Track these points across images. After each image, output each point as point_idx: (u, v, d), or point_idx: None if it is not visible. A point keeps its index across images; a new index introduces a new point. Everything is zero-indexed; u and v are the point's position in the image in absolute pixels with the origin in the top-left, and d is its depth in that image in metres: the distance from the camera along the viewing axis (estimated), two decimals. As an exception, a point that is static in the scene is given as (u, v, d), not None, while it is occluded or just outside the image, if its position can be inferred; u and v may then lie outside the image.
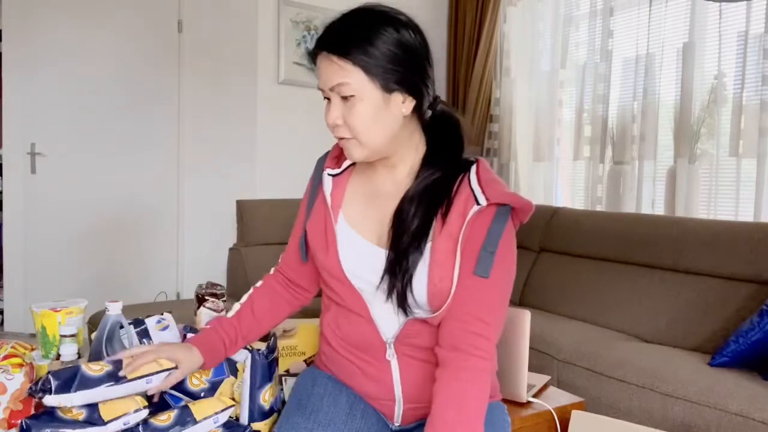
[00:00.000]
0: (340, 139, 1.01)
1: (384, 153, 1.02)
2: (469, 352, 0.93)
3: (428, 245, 0.97)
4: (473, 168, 1.01)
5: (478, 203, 0.96)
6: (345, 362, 1.07)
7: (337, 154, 1.13)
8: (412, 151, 1.05)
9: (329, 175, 1.10)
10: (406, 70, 0.96)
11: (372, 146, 0.99)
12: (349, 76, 0.94)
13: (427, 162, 1.04)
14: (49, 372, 0.90)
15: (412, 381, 1.03)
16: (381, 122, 0.98)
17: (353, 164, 1.11)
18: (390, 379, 1.03)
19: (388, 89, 0.96)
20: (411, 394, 1.03)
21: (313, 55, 1.00)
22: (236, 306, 1.16)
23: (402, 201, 1.02)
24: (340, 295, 1.05)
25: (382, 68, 0.95)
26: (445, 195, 0.99)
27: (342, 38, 0.95)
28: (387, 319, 1.02)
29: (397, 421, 1.06)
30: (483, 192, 0.97)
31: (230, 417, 1.01)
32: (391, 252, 0.99)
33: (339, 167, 1.11)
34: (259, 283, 1.20)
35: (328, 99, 0.99)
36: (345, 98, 0.96)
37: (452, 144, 1.05)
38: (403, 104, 0.98)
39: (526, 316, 1.37)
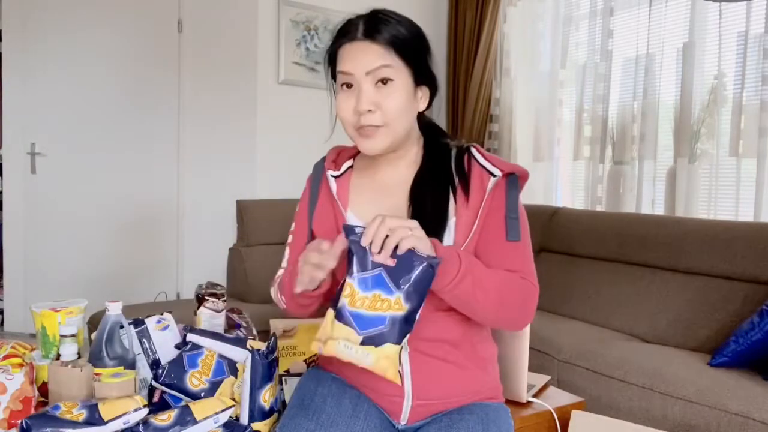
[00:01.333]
0: (361, 128, 1.03)
1: (398, 145, 1.07)
2: None
3: (452, 221, 1.04)
4: (473, 149, 1.10)
5: (493, 175, 1.04)
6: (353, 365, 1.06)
7: (334, 158, 1.16)
8: (414, 144, 1.12)
9: (332, 176, 1.13)
10: (430, 68, 1.07)
11: (397, 135, 1.04)
12: (392, 59, 1.01)
13: (427, 151, 1.12)
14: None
15: (423, 376, 1.04)
16: (408, 113, 1.05)
17: (351, 166, 1.16)
18: (401, 373, 1.03)
19: (417, 82, 1.05)
20: (421, 389, 1.04)
21: (334, 46, 1.05)
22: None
23: (414, 187, 1.08)
24: None
25: (415, 62, 1.04)
26: (457, 173, 1.07)
27: (386, 28, 1.01)
28: None
29: (403, 420, 1.06)
30: (493, 164, 1.05)
31: (230, 417, 1.01)
32: None
33: (339, 169, 1.15)
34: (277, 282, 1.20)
35: (347, 86, 1.03)
36: (383, 82, 1.01)
37: (440, 135, 1.15)
38: (421, 99, 1.08)
39: (526, 316, 1.37)
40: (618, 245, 2.66)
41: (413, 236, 0.90)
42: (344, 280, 0.91)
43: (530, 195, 3.61)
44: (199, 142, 3.49)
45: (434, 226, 1.01)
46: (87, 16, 3.27)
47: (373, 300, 0.88)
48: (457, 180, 1.07)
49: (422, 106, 1.09)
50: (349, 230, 0.91)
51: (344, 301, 0.89)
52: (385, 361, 0.88)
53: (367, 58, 1.01)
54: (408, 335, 0.91)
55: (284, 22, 3.55)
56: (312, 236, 1.13)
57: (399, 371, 0.90)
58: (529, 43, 3.68)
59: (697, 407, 1.79)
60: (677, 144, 2.84)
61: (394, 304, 0.88)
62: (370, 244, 0.89)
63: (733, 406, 1.73)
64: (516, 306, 1.03)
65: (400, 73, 1.02)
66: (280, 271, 1.21)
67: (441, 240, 1.01)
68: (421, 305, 0.90)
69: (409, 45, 1.03)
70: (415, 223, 0.92)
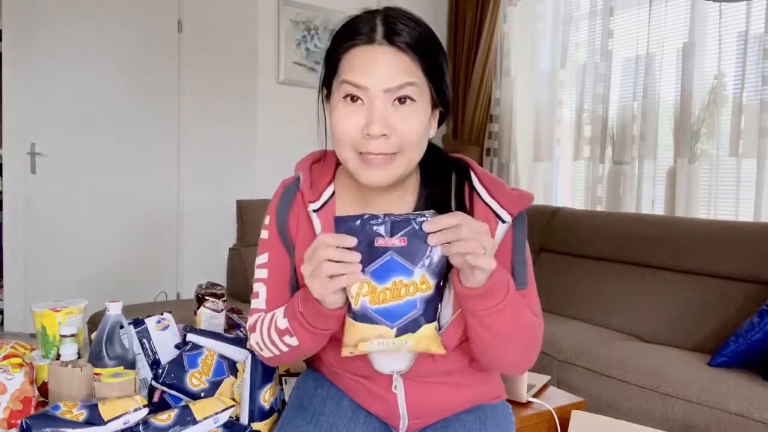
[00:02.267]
0: (367, 154, 0.85)
1: (403, 178, 0.91)
2: None
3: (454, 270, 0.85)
4: (473, 177, 0.94)
5: (502, 220, 0.90)
6: (346, 380, 1.02)
7: (311, 179, 0.97)
8: (414, 172, 0.96)
9: (313, 211, 0.94)
10: (447, 87, 0.90)
11: (409, 166, 0.88)
12: (417, 77, 0.84)
13: (424, 178, 0.96)
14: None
15: (418, 400, 0.98)
16: (424, 140, 0.89)
17: (332, 195, 0.96)
18: (394, 399, 0.97)
19: (434, 105, 0.89)
20: (416, 411, 0.98)
21: (340, 47, 0.86)
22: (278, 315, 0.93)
23: None
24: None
25: (437, 79, 0.87)
26: (457, 208, 0.91)
27: (409, 33, 0.84)
28: (394, 358, 0.93)
29: (402, 430, 1.02)
30: (501, 205, 0.90)
31: (230, 417, 1.01)
32: None
33: (318, 198, 0.95)
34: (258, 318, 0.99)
35: (351, 99, 0.85)
36: (400, 101, 0.84)
37: (435, 154, 0.98)
38: (432, 124, 0.91)
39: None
40: (618, 245, 2.66)
41: (485, 256, 0.75)
42: None
43: (530, 195, 3.61)
44: (199, 142, 3.49)
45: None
46: (87, 16, 3.27)
47: (394, 288, 0.78)
48: None
49: (433, 132, 0.92)
50: (340, 222, 0.78)
51: (363, 300, 0.78)
52: (425, 341, 0.80)
53: (389, 70, 0.82)
54: (440, 307, 0.82)
55: (284, 22, 3.55)
56: (296, 276, 0.95)
57: (439, 342, 0.82)
58: (529, 43, 3.68)
59: (697, 407, 1.79)
60: (677, 144, 2.84)
61: (420, 284, 0.78)
62: (373, 228, 0.76)
63: (733, 406, 1.73)
64: (529, 347, 0.92)
65: (423, 94, 0.85)
66: (257, 316, 0.98)
67: (443, 289, 0.84)
68: (443, 270, 0.80)
69: (435, 60, 0.86)
70: (490, 241, 0.77)
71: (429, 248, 0.77)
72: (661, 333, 2.34)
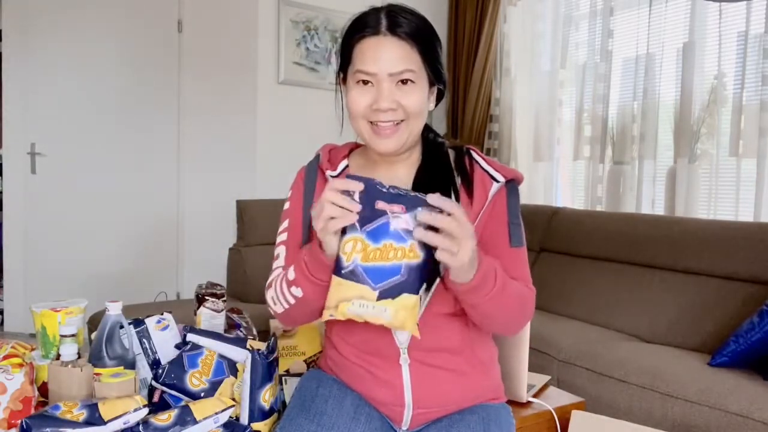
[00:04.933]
0: (377, 125, 1.01)
1: (408, 146, 1.06)
2: None
3: None
4: (472, 152, 1.09)
5: (496, 180, 1.05)
6: (354, 367, 1.06)
7: (328, 157, 1.13)
8: (416, 147, 1.11)
9: (331, 176, 1.10)
10: (443, 68, 1.07)
11: (413, 134, 1.04)
12: (415, 63, 1.01)
13: (425, 152, 1.11)
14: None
15: (424, 386, 1.03)
16: (424, 112, 1.05)
17: (347, 166, 1.12)
18: (401, 384, 1.02)
19: (431, 83, 1.05)
20: (421, 399, 1.03)
21: (351, 39, 1.02)
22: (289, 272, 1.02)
23: (415, 187, 1.05)
24: None
25: (433, 62, 1.03)
26: (459, 173, 1.06)
27: (408, 24, 1.01)
28: None
29: (404, 425, 1.05)
30: (495, 169, 1.06)
31: (230, 417, 1.01)
32: None
33: (335, 169, 1.11)
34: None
35: (363, 83, 1.01)
36: (403, 83, 1.00)
37: (436, 135, 1.14)
38: (431, 100, 1.08)
39: (526, 316, 1.37)
40: (618, 245, 2.66)
41: (454, 258, 0.83)
42: (344, 238, 0.85)
43: (530, 195, 3.62)
44: (199, 142, 3.49)
45: None
46: (87, 17, 3.27)
47: (384, 249, 0.82)
48: (459, 181, 1.06)
49: (432, 106, 1.09)
50: (351, 179, 0.85)
51: (356, 257, 0.83)
52: (403, 312, 0.83)
53: (391, 58, 0.99)
54: (425, 285, 0.87)
55: (284, 22, 3.55)
56: (310, 235, 1.06)
57: (417, 323, 0.85)
58: (529, 43, 3.68)
59: (697, 407, 1.79)
60: (677, 144, 2.84)
61: (408, 251, 0.83)
62: (378, 189, 0.83)
63: (733, 406, 1.72)
64: (522, 315, 1.05)
65: (421, 75, 1.02)
66: (276, 272, 1.10)
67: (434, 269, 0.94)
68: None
69: (431, 45, 1.03)
70: (468, 246, 0.84)
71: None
72: (661, 333, 2.34)
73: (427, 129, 1.13)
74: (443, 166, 1.08)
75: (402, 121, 1.02)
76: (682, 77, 2.82)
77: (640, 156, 3.01)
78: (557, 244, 2.96)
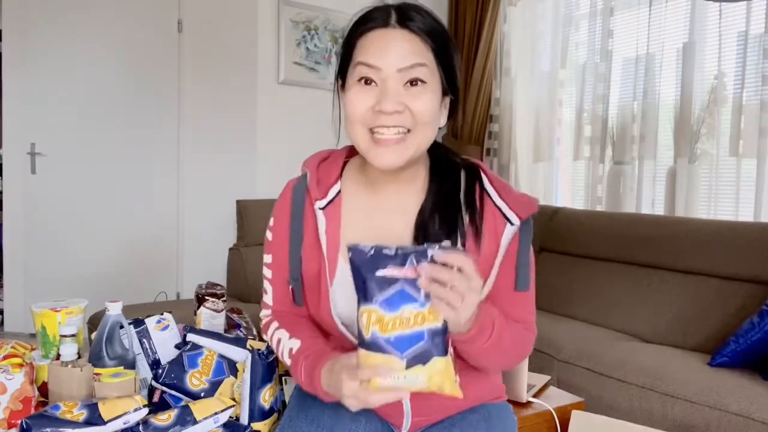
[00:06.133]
0: (379, 133, 0.86)
1: (413, 163, 0.91)
2: None
3: None
4: (483, 178, 0.96)
5: (510, 222, 0.92)
6: None
7: (317, 177, 0.97)
8: (422, 167, 0.97)
9: (320, 209, 0.95)
10: (457, 75, 0.93)
11: (420, 147, 0.89)
12: (429, 57, 0.87)
13: (434, 176, 0.97)
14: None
15: (422, 397, 0.95)
16: (435, 122, 0.90)
17: (338, 193, 0.97)
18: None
19: (444, 92, 0.91)
20: (420, 407, 0.99)
21: (355, 33, 0.89)
22: (292, 341, 0.98)
23: (419, 223, 0.93)
24: (344, 346, 0.97)
25: (447, 64, 0.90)
26: (468, 208, 0.93)
27: (421, 18, 0.88)
28: None
29: (404, 430, 1.02)
30: (509, 206, 0.92)
31: (230, 417, 1.01)
32: None
33: (325, 196, 0.96)
34: (274, 325, 1.04)
35: (365, 82, 0.87)
36: (412, 83, 0.86)
37: (447, 153, 1.01)
38: (443, 112, 0.93)
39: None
40: (618, 245, 2.66)
41: (455, 312, 0.76)
42: (359, 309, 0.80)
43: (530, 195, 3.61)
44: (199, 142, 3.49)
45: None
46: (87, 16, 3.27)
47: (403, 317, 0.78)
48: (467, 219, 0.93)
49: (443, 120, 0.93)
50: (354, 251, 0.78)
51: (374, 329, 0.78)
52: (437, 377, 0.79)
53: (401, 51, 0.85)
54: (450, 344, 0.82)
55: (284, 22, 3.55)
56: (301, 279, 0.98)
57: (456, 381, 0.81)
58: (529, 43, 3.68)
59: (697, 407, 1.79)
60: (677, 144, 2.84)
61: (428, 315, 0.77)
62: (385, 256, 0.76)
63: (733, 406, 1.72)
64: (518, 357, 1.00)
65: (434, 77, 0.88)
66: (266, 317, 1.06)
67: None
68: None
69: (446, 45, 0.89)
70: (473, 301, 0.78)
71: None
72: (661, 333, 2.34)
73: (437, 145, 0.97)
74: (452, 199, 0.94)
75: (408, 131, 0.87)
76: (682, 77, 2.82)
77: (640, 156, 3.01)
78: (557, 244, 2.96)
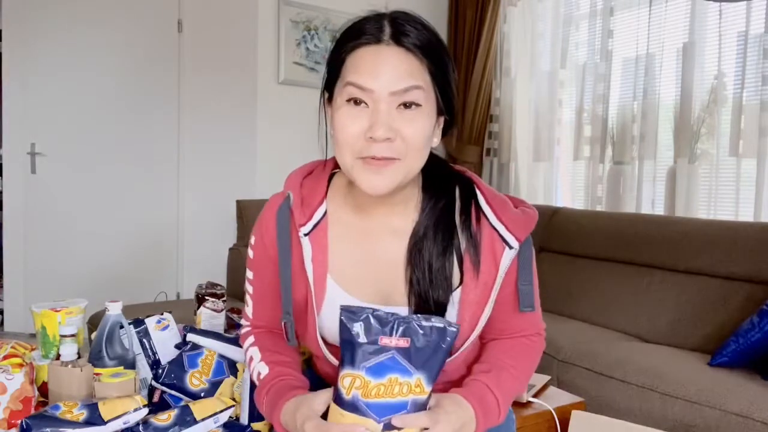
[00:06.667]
0: (369, 159, 0.81)
1: (404, 186, 0.87)
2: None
3: (457, 292, 0.89)
4: (479, 196, 0.91)
5: (509, 246, 0.88)
6: None
7: (301, 197, 0.92)
8: (415, 187, 0.92)
9: (304, 235, 0.90)
10: (454, 100, 0.87)
11: (410, 173, 0.84)
12: (424, 80, 0.81)
13: (426, 196, 0.91)
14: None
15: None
16: (427, 147, 0.85)
17: (324, 216, 0.91)
18: None
19: (439, 111, 0.86)
20: None
21: (344, 48, 0.83)
22: (261, 365, 0.96)
23: (413, 249, 0.89)
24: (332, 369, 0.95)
25: (443, 85, 0.85)
26: (464, 231, 0.89)
27: (417, 34, 0.81)
28: None
29: None
30: (507, 228, 0.88)
31: (230, 417, 1.01)
32: (417, 302, 0.88)
33: (310, 219, 0.90)
34: (250, 339, 1.01)
35: (354, 102, 0.81)
36: (406, 106, 0.81)
37: (440, 167, 0.95)
38: (436, 132, 0.88)
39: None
40: (618, 245, 2.66)
41: None
42: (342, 372, 0.77)
43: (530, 195, 3.62)
44: (199, 142, 3.49)
45: (437, 300, 0.87)
46: (87, 16, 3.27)
47: (389, 385, 0.75)
48: (464, 243, 0.89)
49: (436, 141, 0.88)
50: (346, 314, 0.76)
51: (356, 393, 0.75)
52: None
53: (395, 72, 0.79)
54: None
55: (284, 22, 3.55)
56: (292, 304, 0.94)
57: None
58: (529, 43, 3.68)
59: (697, 407, 1.79)
60: (677, 144, 2.84)
61: (414, 387, 0.76)
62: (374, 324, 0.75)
63: (733, 406, 1.72)
64: (531, 371, 1.00)
65: (429, 99, 0.82)
66: (245, 323, 1.04)
67: (444, 314, 0.87)
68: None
69: (443, 64, 0.83)
70: None
71: (438, 357, 0.76)
72: (661, 333, 2.34)
73: (432, 164, 0.90)
74: (447, 220, 0.89)
75: (397, 159, 0.81)
76: (682, 77, 2.82)
77: (640, 156, 3.01)
78: (557, 244, 2.96)
